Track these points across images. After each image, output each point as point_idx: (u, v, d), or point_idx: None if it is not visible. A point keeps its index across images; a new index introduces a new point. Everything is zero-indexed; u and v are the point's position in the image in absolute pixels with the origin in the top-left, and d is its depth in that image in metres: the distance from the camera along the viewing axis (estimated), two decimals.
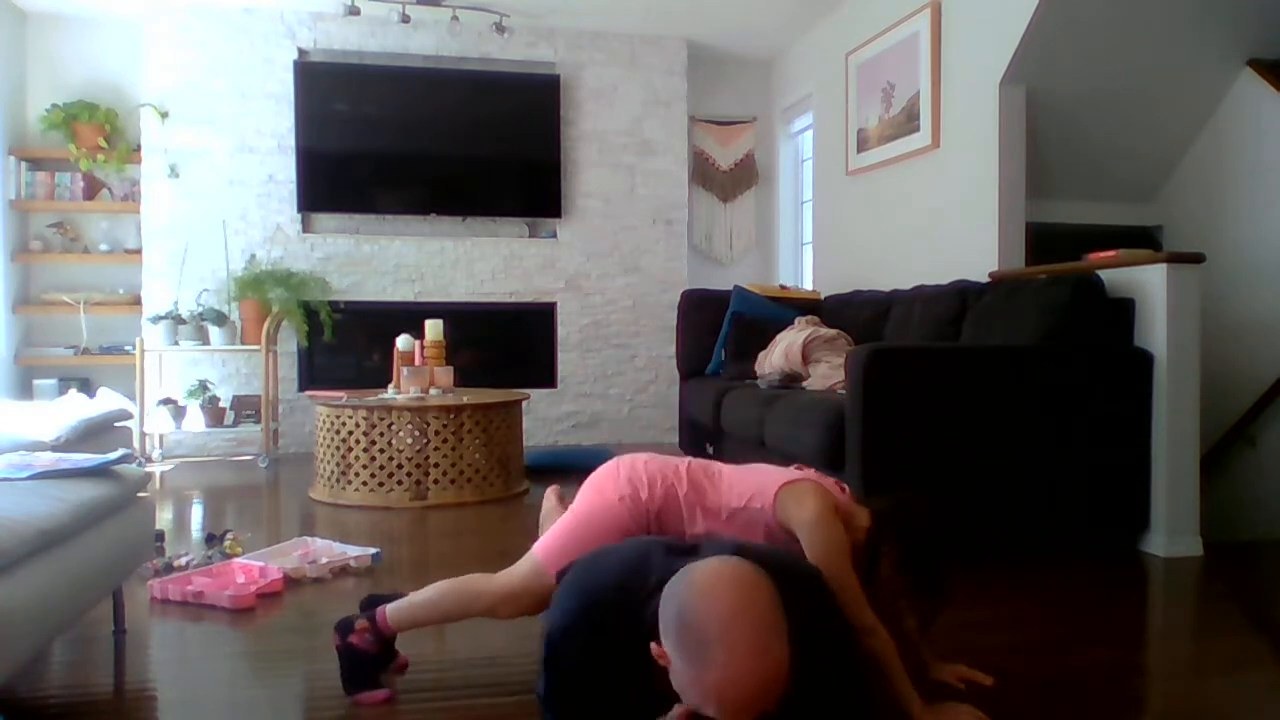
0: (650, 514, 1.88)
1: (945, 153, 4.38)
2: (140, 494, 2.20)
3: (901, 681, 1.71)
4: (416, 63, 5.73)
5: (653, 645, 1.34)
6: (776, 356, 4.18)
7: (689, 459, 1.99)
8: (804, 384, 3.99)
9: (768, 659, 1.25)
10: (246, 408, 5.45)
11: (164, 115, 5.42)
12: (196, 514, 3.84)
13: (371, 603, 1.97)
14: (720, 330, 4.79)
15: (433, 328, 4.31)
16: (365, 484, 3.94)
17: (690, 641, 1.26)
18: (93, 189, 5.57)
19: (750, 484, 1.88)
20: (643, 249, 6.03)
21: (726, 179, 6.46)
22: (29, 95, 5.54)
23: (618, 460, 1.97)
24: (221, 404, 5.37)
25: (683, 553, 1.49)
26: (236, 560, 2.82)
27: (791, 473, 1.89)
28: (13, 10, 5.40)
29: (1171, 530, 3.05)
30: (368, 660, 1.90)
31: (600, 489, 1.92)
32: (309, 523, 3.63)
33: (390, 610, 1.92)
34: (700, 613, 1.26)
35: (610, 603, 1.47)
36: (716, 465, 1.98)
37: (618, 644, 1.43)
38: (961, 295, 3.60)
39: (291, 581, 2.71)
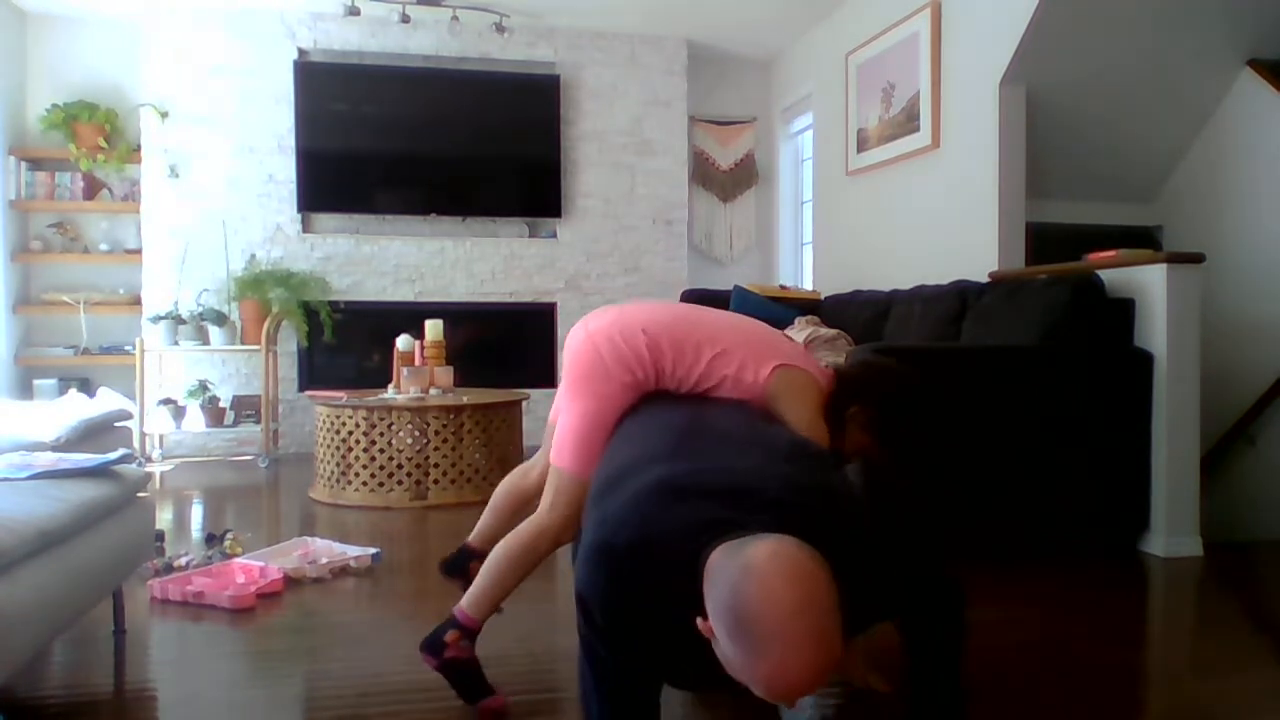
0: (648, 386, 1.83)
1: (945, 153, 4.38)
2: (140, 494, 2.20)
3: None
4: (416, 63, 5.74)
5: (699, 621, 1.27)
6: None
7: (669, 306, 1.92)
8: None
9: (822, 650, 1.21)
10: (246, 408, 5.46)
11: (164, 115, 5.43)
12: (196, 514, 3.84)
13: (431, 642, 1.88)
14: None
15: (433, 328, 4.31)
16: (365, 484, 3.94)
17: (744, 632, 1.21)
18: (93, 189, 5.57)
19: (739, 349, 1.82)
20: (643, 249, 6.03)
21: (726, 179, 6.46)
22: (29, 95, 5.54)
23: (590, 335, 1.85)
24: (221, 404, 5.37)
25: (716, 498, 1.38)
26: (236, 560, 2.82)
27: (783, 344, 1.86)
28: (13, 10, 5.40)
29: (1171, 530, 3.05)
30: (474, 666, 1.86)
31: (594, 390, 1.81)
32: (309, 523, 3.63)
33: (467, 607, 1.86)
34: (758, 605, 1.20)
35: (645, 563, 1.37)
36: (703, 318, 1.89)
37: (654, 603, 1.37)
38: (961, 295, 3.60)
39: (291, 581, 2.71)
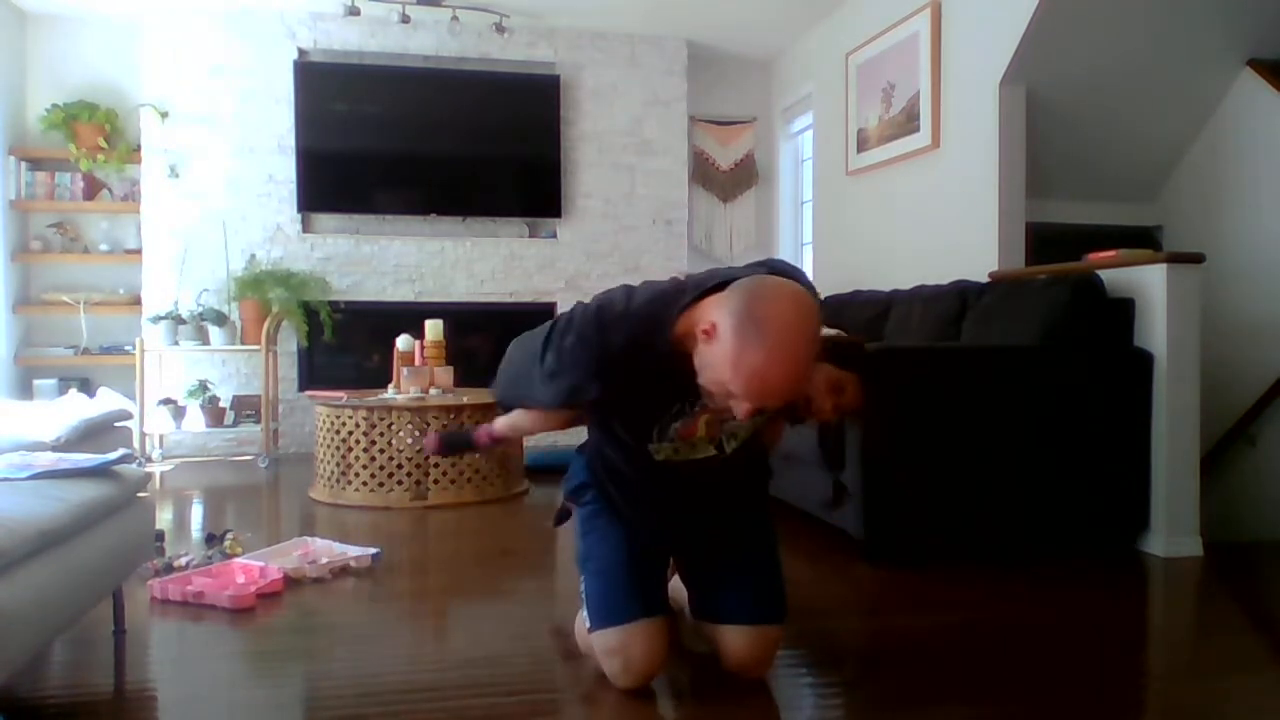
0: None
1: (945, 153, 4.38)
2: (140, 494, 2.20)
3: None
4: (416, 63, 5.73)
5: (697, 315, 1.57)
6: None
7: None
8: None
9: (800, 362, 1.50)
10: (246, 408, 5.46)
11: (164, 115, 5.42)
12: (196, 514, 3.84)
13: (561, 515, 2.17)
14: None
15: (433, 328, 4.31)
16: (365, 484, 3.94)
17: (750, 323, 1.48)
18: (93, 189, 5.57)
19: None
20: (643, 249, 6.03)
21: (726, 179, 6.45)
22: (29, 95, 5.54)
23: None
24: (221, 404, 5.37)
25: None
26: (236, 560, 2.82)
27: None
28: (13, 10, 5.40)
29: (1171, 530, 3.05)
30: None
31: None
32: (309, 523, 3.63)
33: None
34: (769, 304, 1.51)
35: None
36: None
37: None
38: (961, 295, 3.60)
39: (291, 581, 2.70)
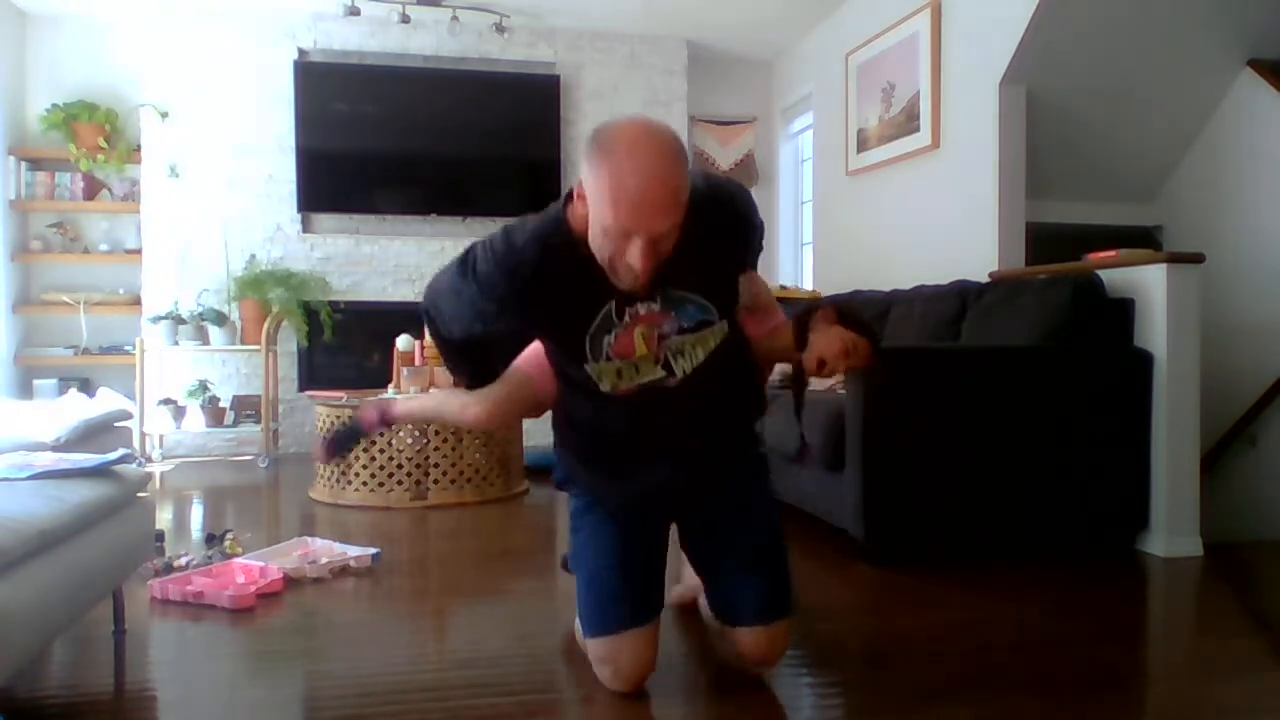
0: None
1: (945, 153, 4.38)
2: (140, 494, 2.20)
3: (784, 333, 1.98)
4: (416, 63, 5.73)
5: (575, 187, 1.61)
6: None
7: None
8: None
9: (660, 170, 1.51)
10: (246, 408, 5.46)
11: (164, 115, 5.43)
12: (196, 514, 3.84)
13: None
14: None
15: None
16: (365, 484, 3.94)
17: (597, 150, 1.53)
18: (93, 189, 5.57)
19: None
20: None
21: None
22: (29, 95, 5.54)
23: None
24: (221, 404, 5.37)
25: None
26: (236, 560, 2.82)
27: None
28: (13, 10, 5.40)
29: (1171, 530, 3.05)
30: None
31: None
32: (309, 523, 3.63)
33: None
34: (610, 129, 1.54)
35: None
36: None
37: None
38: (961, 295, 3.60)
39: (291, 581, 2.70)
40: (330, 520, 3.66)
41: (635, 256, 1.55)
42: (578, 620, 2.01)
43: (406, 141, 5.67)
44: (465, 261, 1.74)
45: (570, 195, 1.67)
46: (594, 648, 1.89)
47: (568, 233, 1.67)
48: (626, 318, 1.72)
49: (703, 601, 2.12)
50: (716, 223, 1.71)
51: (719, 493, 1.95)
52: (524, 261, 1.67)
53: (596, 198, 1.54)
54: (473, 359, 2.00)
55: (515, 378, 2.04)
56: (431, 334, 1.94)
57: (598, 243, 1.59)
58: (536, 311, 1.73)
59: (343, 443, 2.70)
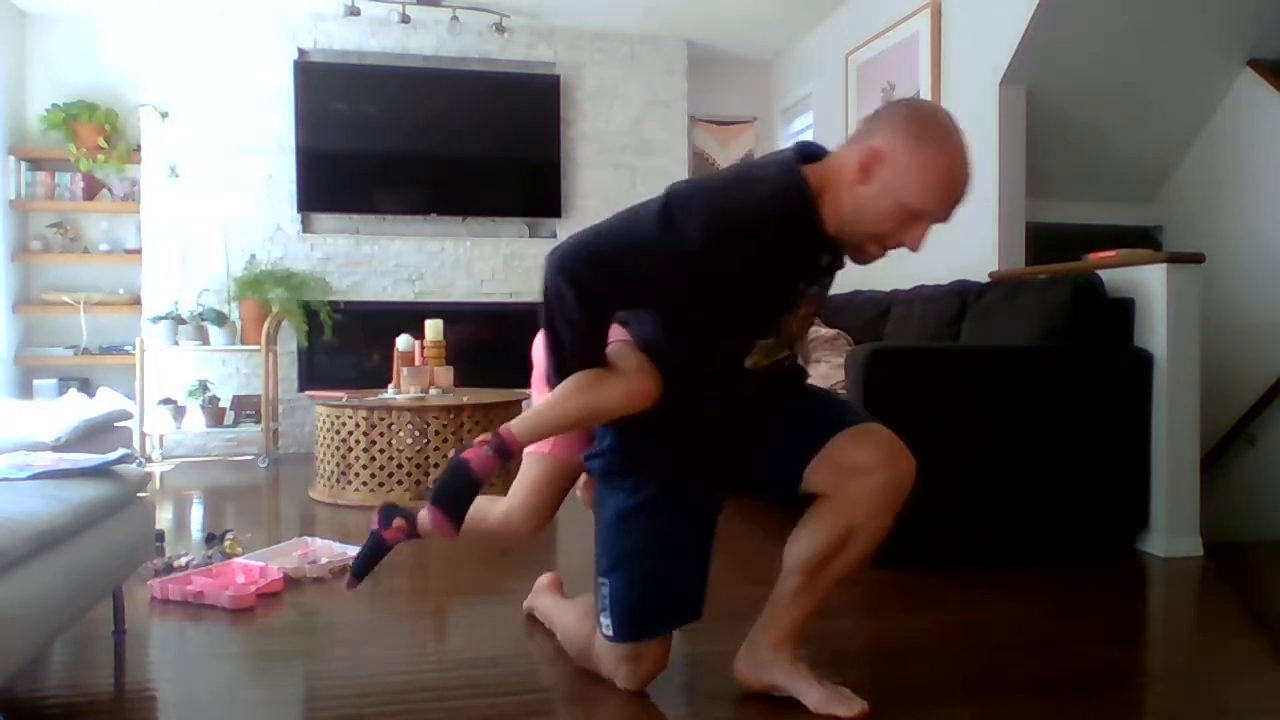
0: None
1: None
2: (140, 494, 2.20)
3: None
4: (416, 63, 5.73)
5: (835, 164, 1.56)
6: None
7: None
8: None
9: (969, 170, 1.53)
10: (246, 408, 5.46)
11: (164, 115, 5.43)
12: (196, 514, 3.84)
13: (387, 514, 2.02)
14: None
15: (433, 328, 4.31)
16: (365, 484, 3.94)
17: (926, 127, 1.50)
18: (93, 189, 5.57)
19: None
20: None
21: None
22: (29, 95, 5.54)
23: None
24: (221, 404, 5.37)
25: None
26: (236, 560, 2.82)
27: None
28: (13, 10, 5.40)
29: (1171, 530, 3.05)
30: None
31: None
32: (309, 523, 3.63)
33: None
34: (926, 110, 1.54)
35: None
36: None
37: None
38: (961, 295, 3.60)
39: (291, 581, 2.71)
40: (330, 520, 3.66)
41: (916, 238, 1.54)
42: (602, 618, 1.83)
43: (406, 141, 5.67)
44: (665, 214, 1.56)
45: (798, 153, 1.57)
46: (618, 649, 1.81)
47: (805, 195, 1.54)
48: (803, 297, 1.68)
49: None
50: None
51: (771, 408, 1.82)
52: (768, 218, 1.52)
53: (910, 177, 1.48)
54: (598, 338, 1.70)
55: (623, 350, 1.75)
56: (559, 309, 1.65)
57: (875, 217, 1.52)
58: (743, 277, 1.56)
59: (454, 504, 1.98)
